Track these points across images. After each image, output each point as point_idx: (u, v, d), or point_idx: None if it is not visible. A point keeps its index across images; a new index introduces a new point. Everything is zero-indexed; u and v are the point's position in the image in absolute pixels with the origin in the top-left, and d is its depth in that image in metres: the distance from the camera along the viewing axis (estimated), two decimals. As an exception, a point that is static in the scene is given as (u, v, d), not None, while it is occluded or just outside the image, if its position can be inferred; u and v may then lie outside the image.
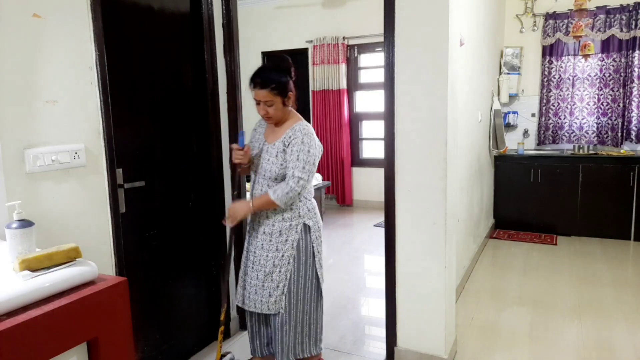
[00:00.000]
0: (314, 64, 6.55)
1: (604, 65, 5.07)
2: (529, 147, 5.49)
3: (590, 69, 5.13)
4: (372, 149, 6.74)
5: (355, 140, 6.73)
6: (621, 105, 5.02)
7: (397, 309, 2.53)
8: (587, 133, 5.24)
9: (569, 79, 5.24)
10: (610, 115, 5.10)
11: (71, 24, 1.83)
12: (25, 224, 1.31)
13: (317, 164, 2.19)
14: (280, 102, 2.16)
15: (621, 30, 4.91)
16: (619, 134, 5.05)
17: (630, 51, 4.90)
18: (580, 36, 4.64)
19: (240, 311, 2.99)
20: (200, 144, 2.69)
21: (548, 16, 5.22)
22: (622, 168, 4.70)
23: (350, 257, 4.56)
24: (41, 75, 1.73)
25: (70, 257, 1.27)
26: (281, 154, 2.17)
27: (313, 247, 2.26)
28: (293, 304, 2.25)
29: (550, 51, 5.28)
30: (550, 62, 5.30)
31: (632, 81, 4.93)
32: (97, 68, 1.93)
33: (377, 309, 3.34)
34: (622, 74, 4.98)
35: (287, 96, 2.18)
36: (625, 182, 4.69)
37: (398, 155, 2.41)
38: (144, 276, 2.36)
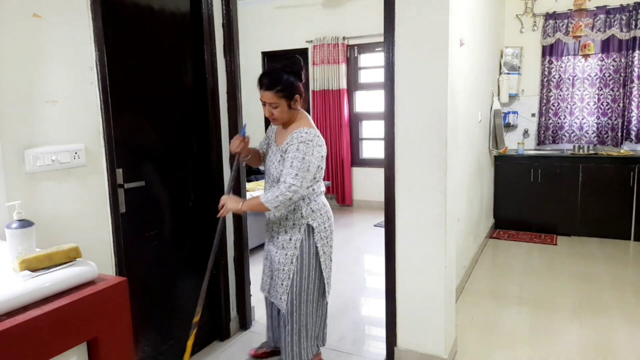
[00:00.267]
0: (314, 64, 6.55)
1: (604, 65, 5.07)
2: (529, 147, 5.49)
3: (590, 69, 5.13)
4: (372, 149, 6.74)
5: (355, 140, 6.73)
6: (621, 105, 5.02)
7: (397, 309, 2.53)
8: (587, 133, 5.24)
9: (569, 79, 5.24)
10: (610, 115, 5.11)
11: (71, 24, 1.83)
12: (25, 224, 1.31)
13: (314, 169, 2.15)
14: (285, 105, 2.17)
15: (621, 30, 4.91)
16: (619, 134, 5.05)
17: (630, 51, 4.90)
18: (580, 36, 4.64)
19: (241, 311, 3.00)
20: (200, 144, 2.69)
21: (548, 16, 5.22)
22: (622, 168, 4.70)
23: (350, 257, 4.56)
24: (41, 75, 1.73)
25: (70, 257, 1.27)
26: (282, 158, 2.19)
27: (317, 247, 2.27)
28: (295, 306, 2.28)
29: (550, 51, 5.29)
30: (550, 62, 5.30)
31: (632, 81, 4.93)
32: (97, 68, 1.93)
33: (377, 309, 3.34)
34: (622, 74, 4.98)
35: (293, 99, 2.18)
36: (625, 182, 4.69)
37: (398, 155, 2.41)
38: (144, 276, 2.36)
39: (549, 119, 5.39)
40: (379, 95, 6.13)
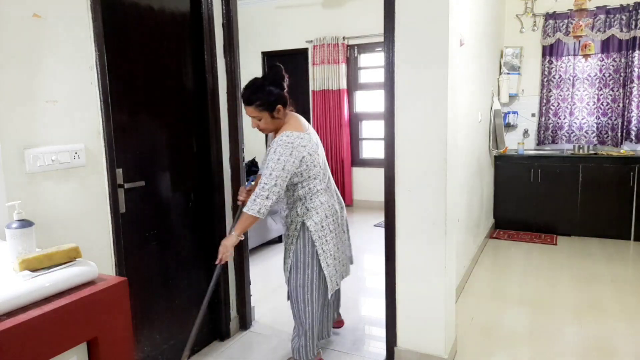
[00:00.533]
0: (314, 64, 6.55)
1: (603, 65, 5.07)
2: (529, 147, 5.49)
3: (590, 69, 5.13)
4: (372, 149, 6.74)
5: (355, 140, 6.73)
6: (621, 105, 5.02)
7: (397, 309, 2.53)
8: (587, 133, 5.24)
9: (569, 79, 5.24)
10: (610, 115, 5.10)
11: (71, 24, 1.83)
12: (25, 224, 1.31)
13: (291, 167, 2.18)
14: (268, 116, 2.26)
15: (621, 30, 4.91)
16: (619, 134, 5.05)
17: (630, 51, 4.89)
18: (580, 36, 4.64)
19: (241, 311, 3.00)
20: (200, 144, 2.69)
21: (548, 16, 5.22)
22: (622, 168, 4.70)
23: (350, 257, 4.55)
24: (41, 75, 1.73)
25: (70, 257, 1.27)
26: None
27: (315, 245, 2.30)
28: (293, 299, 2.41)
29: (550, 51, 5.28)
30: (550, 62, 5.30)
31: (632, 81, 4.93)
32: (97, 68, 1.93)
33: (377, 309, 3.33)
34: (622, 74, 4.98)
35: (275, 109, 2.25)
36: (625, 182, 4.69)
37: (398, 155, 2.41)
38: (144, 276, 2.36)
39: (548, 119, 5.39)
40: (379, 95, 6.14)
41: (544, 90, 5.36)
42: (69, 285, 1.20)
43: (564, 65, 5.25)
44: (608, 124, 5.13)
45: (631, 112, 5.00)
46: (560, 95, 5.30)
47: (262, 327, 3.05)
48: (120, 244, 2.08)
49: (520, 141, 5.35)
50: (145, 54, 2.33)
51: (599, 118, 5.16)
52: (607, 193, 4.78)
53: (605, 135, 5.16)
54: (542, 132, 5.43)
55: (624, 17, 4.88)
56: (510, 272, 4.02)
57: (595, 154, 4.95)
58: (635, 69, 4.90)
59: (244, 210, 2.21)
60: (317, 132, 6.38)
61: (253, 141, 7.11)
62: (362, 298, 3.63)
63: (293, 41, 6.66)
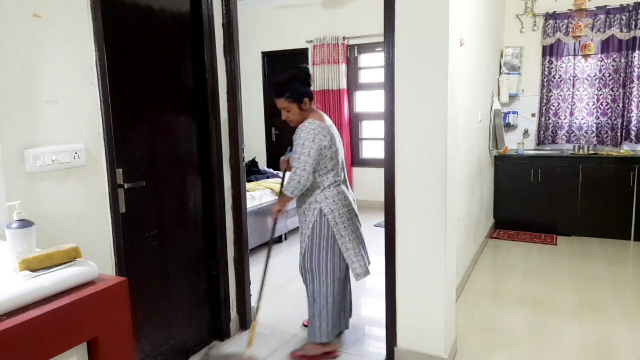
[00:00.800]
0: (314, 64, 6.55)
1: (603, 65, 5.07)
2: (529, 147, 5.49)
3: (590, 69, 5.14)
4: (372, 149, 6.74)
5: (355, 140, 6.73)
6: (621, 105, 5.02)
7: (397, 309, 2.53)
8: (587, 133, 5.24)
9: (569, 79, 5.24)
10: (610, 115, 5.11)
11: (71, 24, 1.83)
12: (25, 224, 1.31)
13: (315, 154, 2.42)
14: (296, 108, 2.50)
15: (621, 30, 4.91)
16: (619, 134, 5.06)
17: (630, 51, 4.90)
18: (580, 36, 4.64)
19: (241, 311, 3.00)
20: (200, 144, 2.69)
21: (548, 16, 5.22)
22: (622, 168, 4.70)
23: (350, 257, 4.55)
24: (41, 75, 1.73)
25: (70, 257, 1.27)
26: None
27: (333, 231, 2.53)
28: (308, 280, 2.63)
29: (550, 51, 5.29)
30: (550, 62, 5.30)
31: (632, 81, 4.93)
32: (97, 68, 1.93)
33: (377, 309, 3.33)
34: (621, 74, 4.98)
35: (302, 102, 2.50)
36: (625, 182, 4.69)
37: (398, 155, 2.41)
38: (144, 276, 2.36)
39: (548, 119, 5.39)
40: (379, 95, 6.13)
41: (544, 90, 5.36)
42: (69, 285, 1.20)
43: (564, 65, 5.25)
44: (608, 124, 5.13)
45: (631, 112, 5.00)
46: (560, 95, 5.30)
47: (262, 327, 3.05)
48: (120, 244, 2.08)
49: (520, 141, 5.35)
50: (145, 53, 2.33)
51: (599, 118, 5.17)
52: (607, 193, 4.78)
53: (605, 135, 5.16)
54: (542, 132, 5.43)
55: (623, 17, 4.89)
56: (510, 272, 4.02)
57: (595, 154, 4.95)
58: (635, 69, 4.90)
59: (283, 191, 2.51)
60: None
61: (253, 141, 7.13)
62: (362, 298, 3.63)
63: (293, 41, 6.67)
